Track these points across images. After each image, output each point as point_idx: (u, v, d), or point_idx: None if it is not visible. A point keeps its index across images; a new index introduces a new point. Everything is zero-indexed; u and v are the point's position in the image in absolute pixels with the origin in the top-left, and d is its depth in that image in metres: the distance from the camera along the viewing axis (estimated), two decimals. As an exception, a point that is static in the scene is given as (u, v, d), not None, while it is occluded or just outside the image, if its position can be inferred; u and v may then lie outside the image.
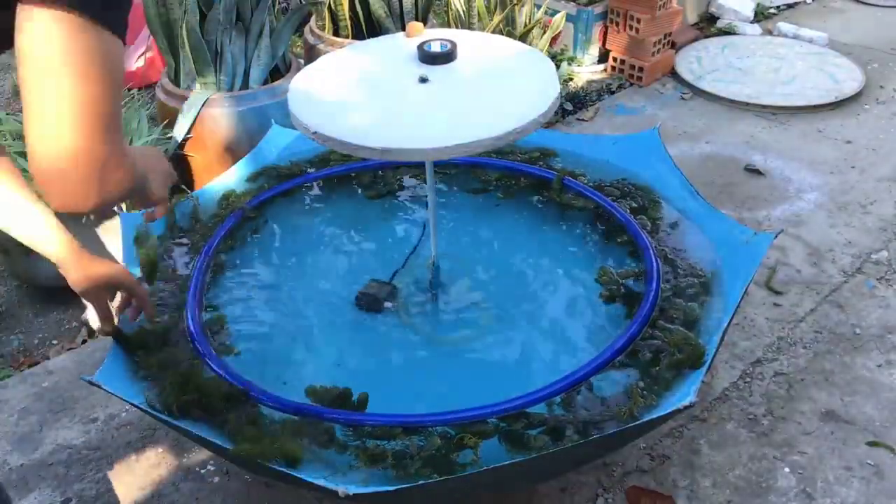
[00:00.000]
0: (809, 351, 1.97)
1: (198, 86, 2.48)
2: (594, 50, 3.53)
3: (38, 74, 0.73)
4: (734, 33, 3.85)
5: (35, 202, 1.16)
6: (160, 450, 1.73)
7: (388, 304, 1.66)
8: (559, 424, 1.27)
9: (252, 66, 2.53)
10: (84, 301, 1.25)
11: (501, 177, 1.97)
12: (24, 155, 2.13)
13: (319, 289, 1.75)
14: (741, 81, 3.35)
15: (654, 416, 1.22)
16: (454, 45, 1.48)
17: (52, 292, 2.22)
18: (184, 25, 2.39)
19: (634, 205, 1.79)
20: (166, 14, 2.43)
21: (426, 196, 1.64)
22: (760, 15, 4.06)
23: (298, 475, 1.16)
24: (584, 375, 1.34)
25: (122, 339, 1.43)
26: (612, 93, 3.37)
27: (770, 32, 3.89)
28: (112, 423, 1.80)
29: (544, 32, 3.12)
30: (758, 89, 3.28)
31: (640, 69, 3.39)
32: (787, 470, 1.66)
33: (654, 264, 1.58)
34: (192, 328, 1.48)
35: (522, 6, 2.95)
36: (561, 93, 1.95)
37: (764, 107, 3.17)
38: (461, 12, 2.94)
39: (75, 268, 1.23)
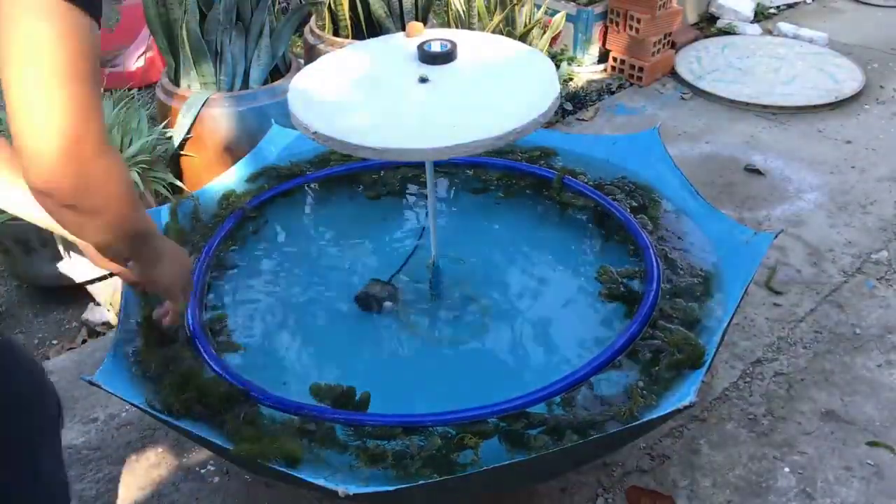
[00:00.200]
0: (809, 351, 1.97)
1: (198, 86, 2.48)
2: (594, 50, 3.53)
3: (9, 52, 0.77)
4: (734, 33, 3.85)
5: None
6: (160, 450, 1.72)
7: (388, 304, 1.66)
8: (559, 424, 1.27)
9: (252, 66, 2.53)
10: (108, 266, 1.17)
11: (502, 176, 1.97)
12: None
13: (319, 289, 1.75)
14: (741, 81, 3.35)
15: (654, 416, 1.22)
16: (454, 45, 1.48)
17: (52, 292, 2.22)
18: (184, 25, 2.40)
19: (635, 204, 1.79)
20: (166, 14, 2.43)
21: (426, 196, 1.64)
22: (760, 15, 4.06)
23: (298, 475, 1.16)
24: (583, 375, 1.34)
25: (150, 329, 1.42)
26: (612, 93, 3.37)
27: (770, 32, 3.89)
28: (112, 423, 1.80)
29: (544, 32, 3.12)
30: (758, 89, 3.28)
31: (640, 69, 3.39)
32: (787, 470, 1.66)
33: (655, 264, 1.58)
34: (192, 327, 1.48)
35: (522, 6, 2.95)
36: (561, 93, 1.95)
37: (764, 107, 3.17)
38: (461, 12, 2.94)
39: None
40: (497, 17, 2.88)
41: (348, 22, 2.78)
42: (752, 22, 3.94)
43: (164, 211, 1.79)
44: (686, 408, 1.14)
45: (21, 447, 1.06)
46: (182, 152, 2.36)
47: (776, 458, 1.68)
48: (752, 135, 2.99)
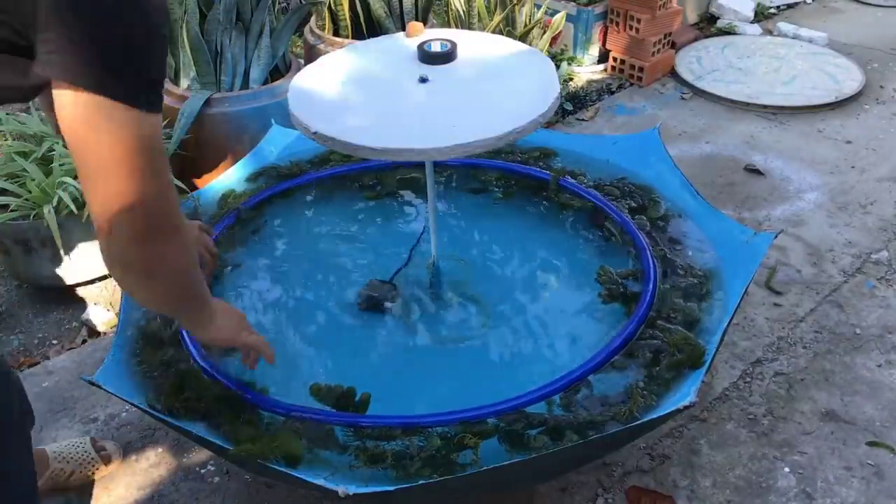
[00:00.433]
0: (809, 351, 1.97)
1: (198, 86, 2.48)
2: (594, 50, 3.53)
3: (73, 144, 0.86)
4: (734, 33, 3.85)
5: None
6: (160, 450, 1.72)
7: (388, 304, 1.66)
8: (559, 424, 1.27)
9: (252, 66, 2.53)
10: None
11: (501, 177, 1.97)
12: (23, 155, 2.13)
13: (319, 289, 1.75)
14: (741, 81, 3.35)
15: (654, 416, 1.22)
16: (454, 45, 1.48)
17: (52, 292, 2.22)
18: (184, 25, 2.39)
19: (634, 204, 1.79)
20: (166, 14, 2.43)
21: (426, 196, 1.64)
22: (760, 15, 4.06)
23: (298, 475, 1.16)
24: (581, 374, 1.34)
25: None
26: (612, 93, 3.37)
27: (770, 32, 3.90)
28: (112, 423, 1.80)
29: (544, 32, 3.11)
30: (758, 89, 3.28)
31: (640, 69, 3.39)
32: (787, 470, 1.66)
33: (651, 265, 1.58)
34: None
35: (522, 6, 2.95)
36: (561, 93, 1.95)
37: (764, 107, 3.17)
38: (461, 12, 2.94)
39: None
40: (497, 17, 2.88)
41: (348, 22, 2.78)
42: (752, 22, 3.94)
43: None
44: (686, 408, 1.14)
45: None
46: (182, 152, 2.36)
47: (776, 458, 1.68)
48: (752, 135, 2.99)
